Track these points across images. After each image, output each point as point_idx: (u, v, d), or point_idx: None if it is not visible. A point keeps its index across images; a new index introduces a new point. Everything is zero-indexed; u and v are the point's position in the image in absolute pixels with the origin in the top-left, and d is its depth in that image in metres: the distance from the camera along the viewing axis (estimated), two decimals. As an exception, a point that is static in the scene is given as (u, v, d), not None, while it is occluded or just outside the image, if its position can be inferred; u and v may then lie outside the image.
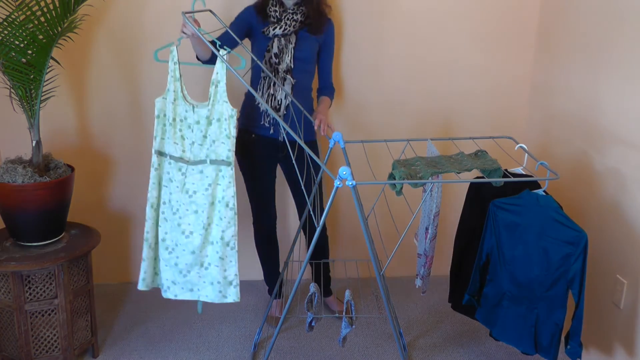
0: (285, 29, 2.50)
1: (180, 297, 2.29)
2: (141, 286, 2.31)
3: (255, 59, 2.51)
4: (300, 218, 2.82)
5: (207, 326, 2.85)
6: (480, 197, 2.36)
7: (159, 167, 2.24)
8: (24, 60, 2.30)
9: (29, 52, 2.29)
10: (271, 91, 2.51)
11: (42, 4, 2.24)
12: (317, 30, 2.58)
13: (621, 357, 2.32)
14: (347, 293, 2.33)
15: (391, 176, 2.09)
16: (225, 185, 2.09)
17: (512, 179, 2.11)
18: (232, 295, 2.18)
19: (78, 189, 2.68)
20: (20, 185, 2.29)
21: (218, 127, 2.05)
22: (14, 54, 2.27)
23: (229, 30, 2.43)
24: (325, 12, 2.62)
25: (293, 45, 2.52)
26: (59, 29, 2.31)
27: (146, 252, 2.29)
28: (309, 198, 2.49)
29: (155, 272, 2.34)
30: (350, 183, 2.00)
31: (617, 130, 2.33)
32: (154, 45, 2.86)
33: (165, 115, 2.16)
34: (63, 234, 2.50)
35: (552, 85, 2.85)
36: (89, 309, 2.55)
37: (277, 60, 2.51)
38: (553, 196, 2.17)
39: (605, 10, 2.40)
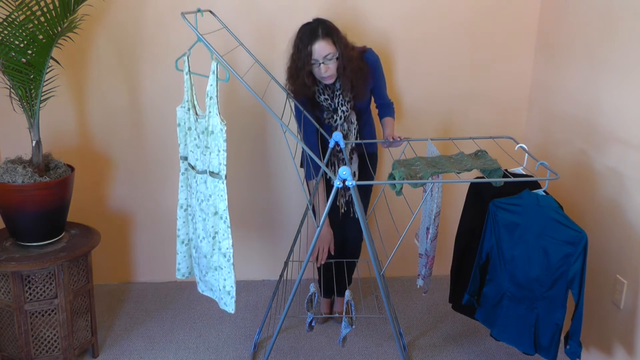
0: (342, 117, 2.51)
1: (205, 294, 2.39)
2: (178, 275, 2.46)
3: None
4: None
5: (207, 326, 2.85)
6: (480, 197, 2.36)
7: (186, 172, 2.30)
8: (24, 60, 2.30)
9: (29, 52, 2.29)
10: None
11: (42, 4, 2.24)
12: (363, 96, 2.55)
13: (621, 357, 2.32)
14: (347, 293, 2.33)
15: (391, 176, 2.08)
16: (219, 198, 2.10)
17: (512, 179, 2.11)
18: (230, 305, 2.23)
19: (78, 189, 2.68)
20: (20, 185, 2.29)
21: (213, 140, 2.06)
22: (14, 54, 2.27)
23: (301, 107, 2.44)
24: (360, 67, 2.47)
25: (355, 124, 2.55)
26: (59, 29, 2.31)
27: (179, 247, 2.42)
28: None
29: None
30: (350, 183, 2.00)
31: (616, 130, 2.33)
32: (154, 45, 2.88)
33: (184, 123, 2.20)
34: (63, 234, 2.50)
35: (552, 85, 2.84)
36: (89, 309, 2.55)
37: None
38: (553, 196, 2.17)
39: (605, 10, 2.40)
